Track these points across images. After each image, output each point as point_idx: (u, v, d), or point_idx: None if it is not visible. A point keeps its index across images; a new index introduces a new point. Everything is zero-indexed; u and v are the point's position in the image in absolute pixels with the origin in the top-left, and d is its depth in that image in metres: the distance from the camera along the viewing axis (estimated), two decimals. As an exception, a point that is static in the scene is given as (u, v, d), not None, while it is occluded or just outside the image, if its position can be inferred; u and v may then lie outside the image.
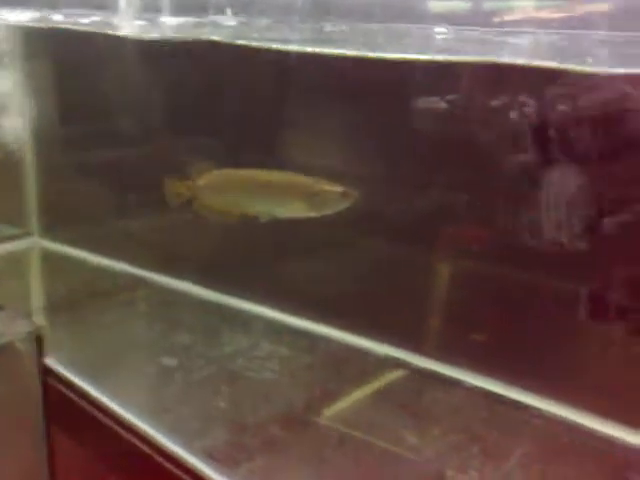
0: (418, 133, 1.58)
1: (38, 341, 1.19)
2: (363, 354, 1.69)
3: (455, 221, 1.57)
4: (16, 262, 2.17)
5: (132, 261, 2.03)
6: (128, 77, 1.87)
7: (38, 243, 2.22)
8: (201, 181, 1.34)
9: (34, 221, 2.20)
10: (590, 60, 1.08)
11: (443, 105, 1.49)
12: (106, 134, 2.01)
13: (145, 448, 1.31)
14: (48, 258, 2.20)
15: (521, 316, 1.48)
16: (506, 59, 1.19)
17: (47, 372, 1.23)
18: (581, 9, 1.10)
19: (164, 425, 1.38)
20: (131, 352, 1.69)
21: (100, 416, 1.42)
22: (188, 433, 1.37)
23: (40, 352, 1.20)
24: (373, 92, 1.54)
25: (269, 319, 1.84)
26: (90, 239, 2.12)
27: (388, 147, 1.61)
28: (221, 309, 1.89)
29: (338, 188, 1.29)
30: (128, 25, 1.76)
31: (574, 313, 1.40)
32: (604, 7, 1.05)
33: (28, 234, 2.21)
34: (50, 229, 2.20)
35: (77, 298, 1.93)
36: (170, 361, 1.64)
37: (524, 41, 1.19)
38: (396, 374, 1.64)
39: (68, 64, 1.97)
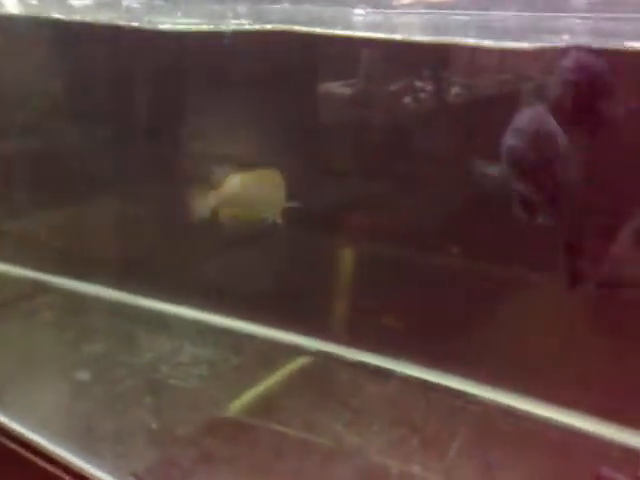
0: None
1: None
2: (288, 348, 1.62)
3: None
4: None
5: (30, 265, 1.84)
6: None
7: None
8: (224, 189, 1.30)
9: None
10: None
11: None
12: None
13: (67, 477, 1.17)
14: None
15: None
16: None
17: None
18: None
19: (85, 448, 1.24)
20: (38, 368, 1.52)
21: (7, 443, 1.26)
22: (113, 455, 1.25)
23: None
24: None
25: (190, 320, 1.73)
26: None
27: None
28: (135, 312, 1.75)
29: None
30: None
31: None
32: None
33: None
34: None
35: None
36: (84, 375, 1.49)
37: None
38: (329, 366, 1.58)
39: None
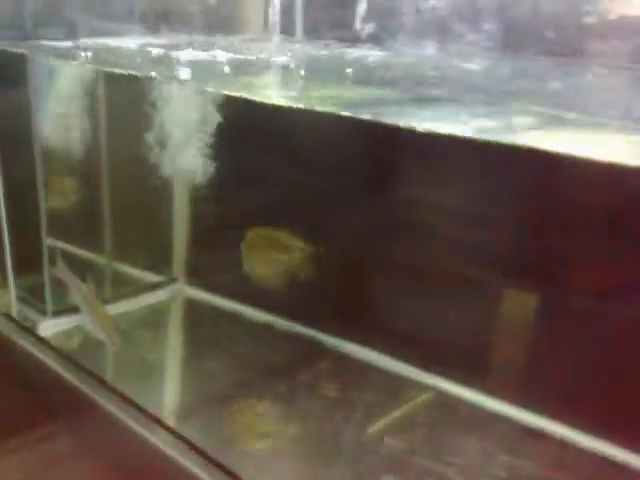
0: None
1: None
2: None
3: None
4: (156, 315, 1.77)
5: (310, 322, 1.59)
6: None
7: (184, 291, 1.83)
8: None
9: (180, 264, 1.81)
10: None
11: None
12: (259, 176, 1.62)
13: None
14: (194, 310, 1.80)
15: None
16: None
17: None
18: None
19: None
20: (330, 465, 1.24)
21: None
22: None
23: None
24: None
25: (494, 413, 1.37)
26: (250, 288, 1.70)
27: None
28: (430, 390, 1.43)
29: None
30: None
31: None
32: None
33: (172, 281, 1.82)
34: (199, 275, 1.81)
35: (237, 372, 1.50)
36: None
37: None
38: None
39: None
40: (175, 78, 1.45)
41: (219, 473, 1.15)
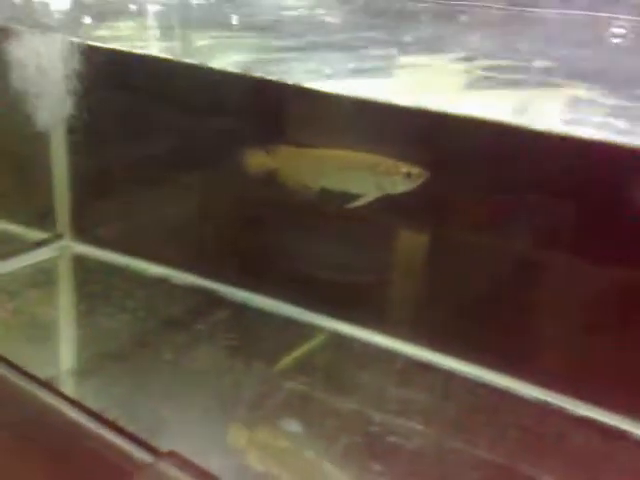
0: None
1: None
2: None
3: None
4: (43, 274, 1.69)
5: (201, 272, 1.58)
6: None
7: (72, 248, 1.74)
8: (279, 155, 1.37)
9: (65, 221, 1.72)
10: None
11: None
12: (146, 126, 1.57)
13: None
14: (84, 267, 1.73)
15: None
16: None
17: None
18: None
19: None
20: (228, 409, 1.26)
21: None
22: None
23: None
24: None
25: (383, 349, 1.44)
26: (141, 241, 1.66)
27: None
28: (320, 333, 1.48)
29: (404, 168, 1.24)
30: None
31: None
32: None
33: (58, 237, 1.73)
34: (85, 230, 1.73)
35: (134, 327, 1.48)
36: (290, 425, 1.22)
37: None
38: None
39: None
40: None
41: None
